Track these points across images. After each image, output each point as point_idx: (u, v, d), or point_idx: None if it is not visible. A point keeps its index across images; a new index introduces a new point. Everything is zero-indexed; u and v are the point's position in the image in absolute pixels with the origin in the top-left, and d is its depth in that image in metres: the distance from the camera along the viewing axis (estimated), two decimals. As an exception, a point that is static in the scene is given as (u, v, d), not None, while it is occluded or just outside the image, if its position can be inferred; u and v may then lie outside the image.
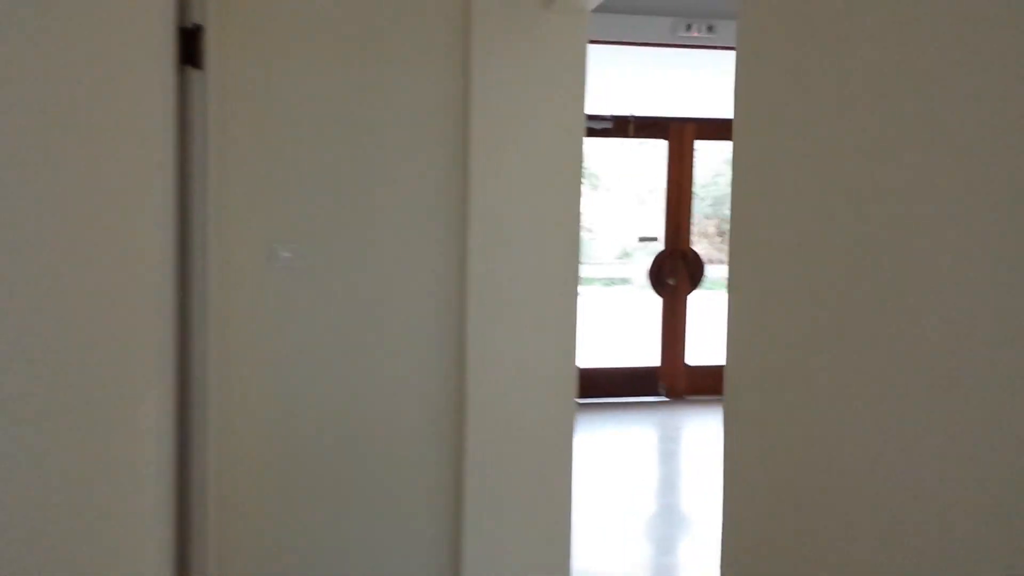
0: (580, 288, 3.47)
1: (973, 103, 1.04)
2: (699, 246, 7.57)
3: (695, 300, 7.36)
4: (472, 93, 3.23)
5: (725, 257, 7.58)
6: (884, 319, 1.16)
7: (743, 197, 1.60)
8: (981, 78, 1.03)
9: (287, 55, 3.15)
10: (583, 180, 3.46)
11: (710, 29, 6.56)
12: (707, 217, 9.68)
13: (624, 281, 10.47)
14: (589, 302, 8.20)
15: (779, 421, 1.44)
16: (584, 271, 4.70)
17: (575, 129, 3.39)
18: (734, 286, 1.64)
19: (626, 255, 9.97)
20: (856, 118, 1.23)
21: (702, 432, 6.66)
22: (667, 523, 4.76)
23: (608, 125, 6.95)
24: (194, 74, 2.50)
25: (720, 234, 9.80)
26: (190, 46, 2.45)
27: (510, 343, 3.33)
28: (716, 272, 7.95)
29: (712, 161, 8.34)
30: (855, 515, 1.22)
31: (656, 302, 7.35)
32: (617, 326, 9.38)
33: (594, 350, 7.37)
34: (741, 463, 1.63)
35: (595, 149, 8.07)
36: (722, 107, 7.58)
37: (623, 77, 6.62)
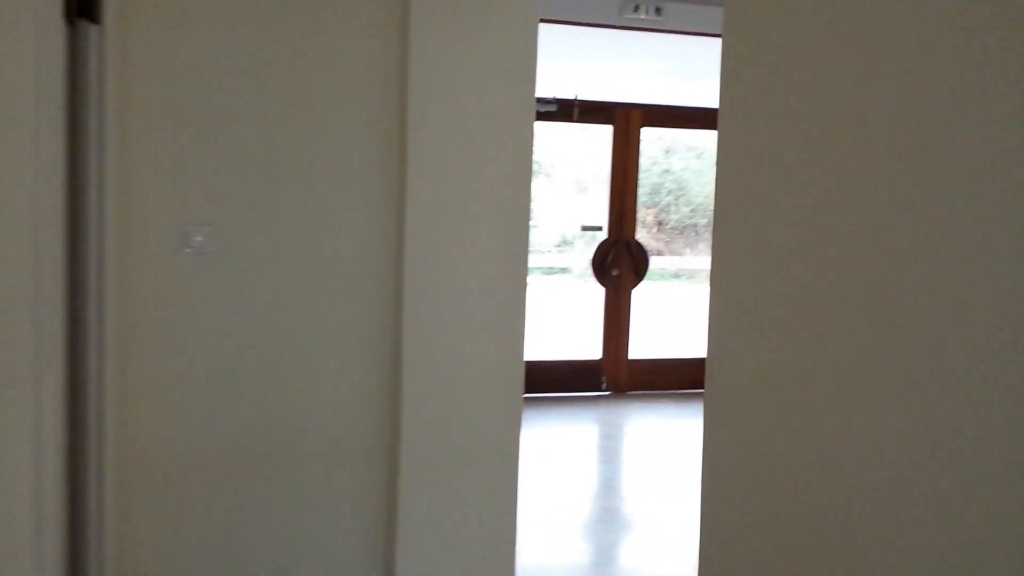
0: (526, 285, 3.24)
1: (964, 92, 1.02)
2: (638, 236, 7.39)
3: (639, 292, 7.18)
4: (411, 66, 2.94)
5: (665, 248, 7.40)
6: (874, 314, 1.14)
7: (728, 191, 1.53)
8: (974, 65, 1.01)
9: (202, 10, 2.80)
10: (526, 171, 3.21)
11: (658, 12, 6.34)
12: (646, 206, 9.54)
13: (563, 271, 10.29)
14: (529, 292, 7.97)
15: (762, 419, 1.41)
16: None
17: (525, 109, 3.15)
18: (717, 282, 1.58)
19: (566, 243, 9.79)
20: (849, 107, 1.20)
21: (644, 428, 6.49)
22: (608, 523, 4.56)
23: (552, 108, 6.70)
24: (89, 29, 2.16)
25: (658, 224, 9.68)
26: (81, -6, 2.11)
27: (450, 337, 3.08)
28: (658, 263, 7.80)
29: (650, 148, 8.17)
30: (840, 512, 1.22)
31: (598, 293, 7.14)
32: (558, 317, 9.19)
33: (534, 342, 7.15)
34: (721, 462, 1.58)
35: (538, 133, 7.83)
36: (669, 93, 7.40)
37: (568, 59, 6.38)
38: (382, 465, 3.12)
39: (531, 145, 3.19)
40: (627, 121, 7.02)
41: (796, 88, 1.37)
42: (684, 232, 12.53)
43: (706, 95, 7.43)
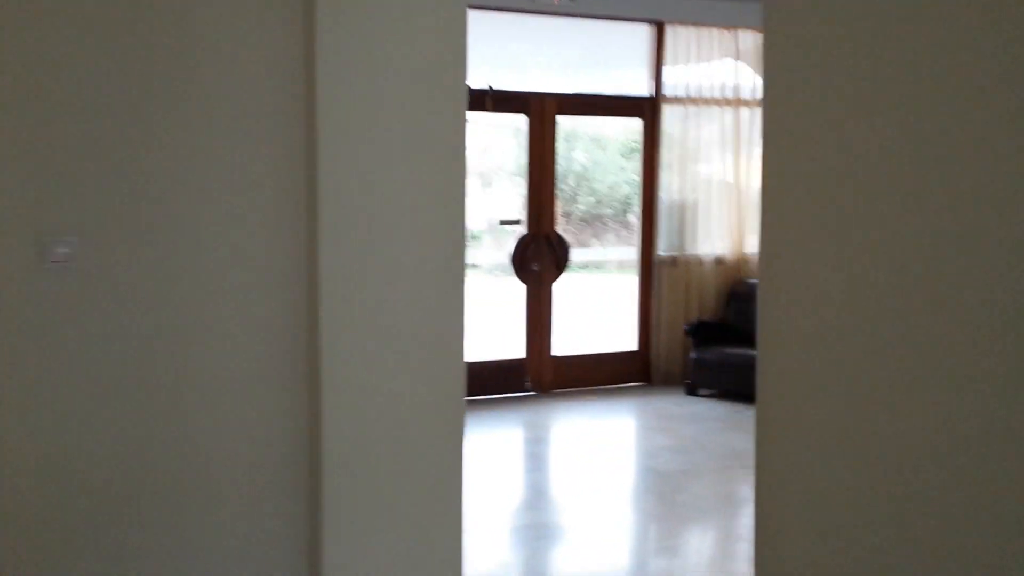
0: (462, 284, 2.93)
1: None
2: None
3: (560, 286, 6.94)
4: (318, 51, 2.57)
5: (574, 240, 7.11)
6: (932, 318, 1.11)
7: (777, 191, 1.42)
8: None
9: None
10: (460, 156, 2.89)
11: (572, -4, 6.09)
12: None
13: (473, 267, 10.00)
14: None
15: (819, 423, 1.35)
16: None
17: (455, 96, 2.82)
18: (767, 286, 1.46)
19: (473, 239, 9.50)
20: (904, 104, 1.15)
21: (571, 429, 6.26)
22: (538, 531, 4.29)
23: (465, 98, 6.38)
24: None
25: (566, 215, 9.50)
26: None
27: (378, 342, 2.74)
28: (576, 256, 7.58)
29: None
30: (896, 516, 1.20)
31: (516, 289, 6.87)
32: (473, 316, 8.89)
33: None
34: (776, 469, 1.49)
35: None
36: (585, 81, 7.18)
37: (480, 46, 6.06)
38: (302, 496, 2.75)
39: (463, 135, 2.88)
40: (542, 110, 6.76)
41: (844, 81, 1.31)
42: (591, 223, 12.43)
43: (621, 83, 7.25)
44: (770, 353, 1.52)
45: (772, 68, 1.46)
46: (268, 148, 2.65)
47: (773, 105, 1.48)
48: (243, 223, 2.64)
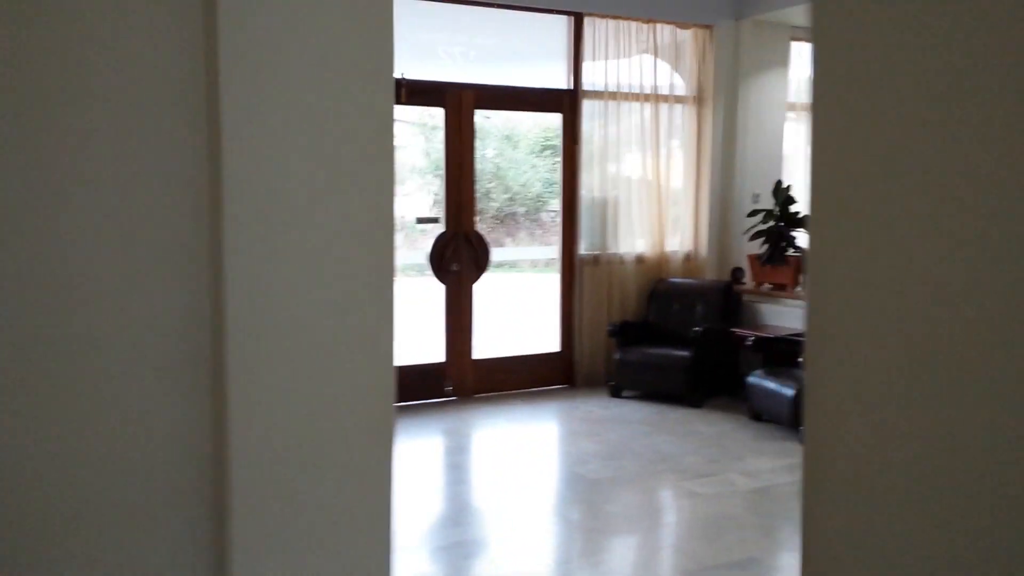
0: (391, 280, 2.64)
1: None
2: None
3: (480, 287, 6.68)
4: (222, 30, 2.24)
5: (487, 237, 6.84)
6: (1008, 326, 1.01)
7: (829, 184, 1.27)
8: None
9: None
10: (387, 147, 2.61)
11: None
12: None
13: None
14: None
15: (878, 419, 1.19)
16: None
17: (380, 84, 2.53)
18: (816, 295, 1.27)
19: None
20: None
21: (494, 435, 6.01)
22: (463, 551, 4.04)
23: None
24: None
25: (479, 213, 9.28)
26: None
27: (293, 349, 2.43)
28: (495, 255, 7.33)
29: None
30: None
31: (437, 289, 6.58)
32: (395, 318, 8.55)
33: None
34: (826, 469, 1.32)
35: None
36: (503, 74, 6.94)
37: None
38: (206, 523, 2.42)
39: (391, 124, 2.59)
40: (460, 103, 6.48)
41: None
42: (504, 222, 12.23)
43: (540, 76, 7.04)
44: (821, 375, 1.33)
45: (823, 64, 1.28)
46: (166, 140, 2.31)
47: (823, 106, 1.31)
48: (133, 219, 2.29)
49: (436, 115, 6.63)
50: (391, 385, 2.58)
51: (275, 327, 2.39)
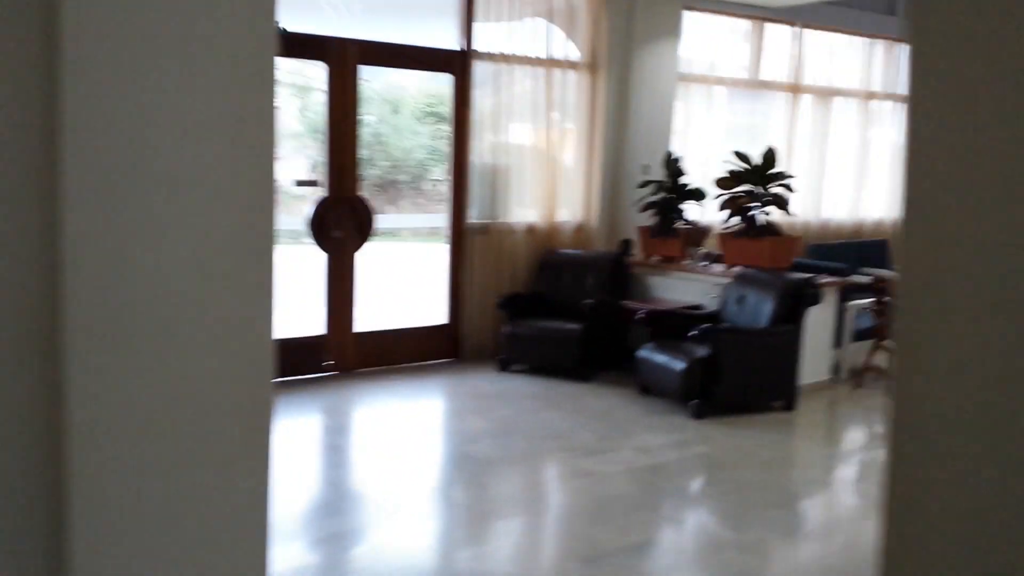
0: (271, 248, 2.31)
1: None
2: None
3: (362, 256, 6.31)
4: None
5: (373, 205, 6.47)
6: None
7: (929, 176, 1.24)
8: None
9: None
10: (266, 107, 2.27)
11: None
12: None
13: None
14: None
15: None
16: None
17: (258, 30, 2.18)
18: (908, 294, 1.26)
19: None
20: None
21: (377, 413, 5.70)
22: (342, 543, 3.76)
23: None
24: None
25: (360, 177, 8.89)
26: None
27: (147, 323, 2.07)
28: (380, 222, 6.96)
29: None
30: None
31: (317, 258, 6.17)
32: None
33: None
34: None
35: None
36: (390, 31, 6.54)
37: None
38: (43, 512, 2.05)
39: (272, 75, 2.24)
40: (343, 58, 6.05)
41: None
42: (386, 188, 11.79)
43: (429, 34, 6.67)
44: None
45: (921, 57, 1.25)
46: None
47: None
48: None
49: (312, 76, 6.18)
50: (269, 362, 2.26)
51: (127, 293, 2.02)
